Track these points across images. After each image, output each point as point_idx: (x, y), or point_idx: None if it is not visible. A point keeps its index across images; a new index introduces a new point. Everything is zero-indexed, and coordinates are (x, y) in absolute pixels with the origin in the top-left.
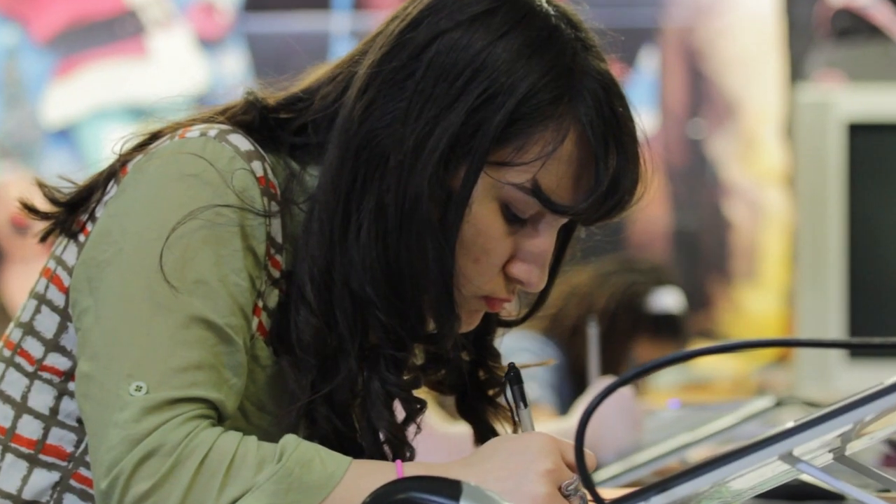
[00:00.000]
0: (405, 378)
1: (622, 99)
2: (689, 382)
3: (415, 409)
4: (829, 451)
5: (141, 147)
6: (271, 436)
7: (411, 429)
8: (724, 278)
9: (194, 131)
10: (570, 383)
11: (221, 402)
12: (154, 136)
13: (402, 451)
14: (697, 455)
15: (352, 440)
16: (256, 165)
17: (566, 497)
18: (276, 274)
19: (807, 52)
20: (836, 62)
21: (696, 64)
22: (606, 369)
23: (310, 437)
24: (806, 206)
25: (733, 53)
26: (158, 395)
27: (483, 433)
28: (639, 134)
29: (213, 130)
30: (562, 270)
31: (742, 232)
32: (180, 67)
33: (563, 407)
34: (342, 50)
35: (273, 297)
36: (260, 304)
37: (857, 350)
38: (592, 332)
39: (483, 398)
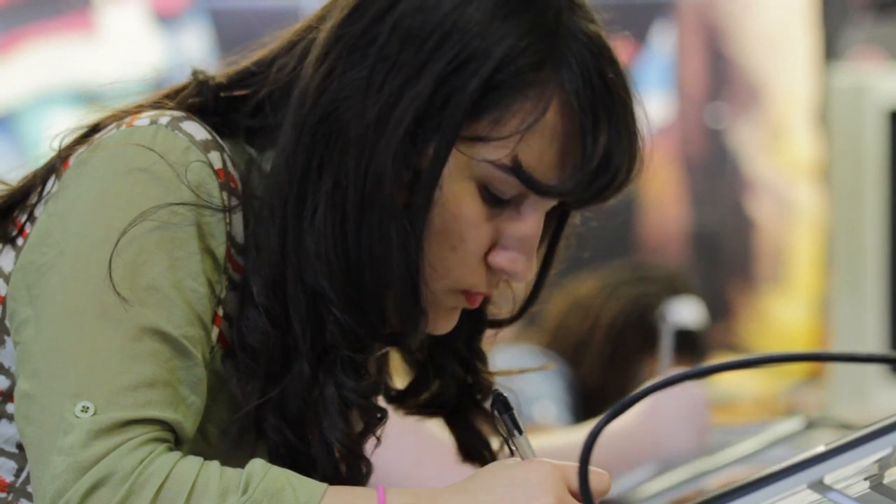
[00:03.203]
0: (363, 384)
1: (614, 64)
2: (708, 402)
3: (374, 418)
4: (866, 479)
5: (84, 138)
6: (236, 460)
7: (370, 442)
8: (749, 284)
9: (143, 119)
10: (577, 401)
11: (178, 422)
12: (97, 126)
13: (359, 465)
14: (717, 483)
15: (304, 454)
16: (214, 156)
17: None
18: (237, 277)
19: (842, 29)
20: (876, 39)
21: (716, 42)
22: (615, 390)
23: (256, 452)
24: (841, 202)
25: (758, 30)
26: (107, 416)
27: (471, 443)
28: (635, 104)
29: (165, 118)
30: (565, 278)
31: (768, 232)
32: (134, 46)
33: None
34: None
35: (235, 304)
36: (220, 312)
37: None
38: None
39: (471, 404)
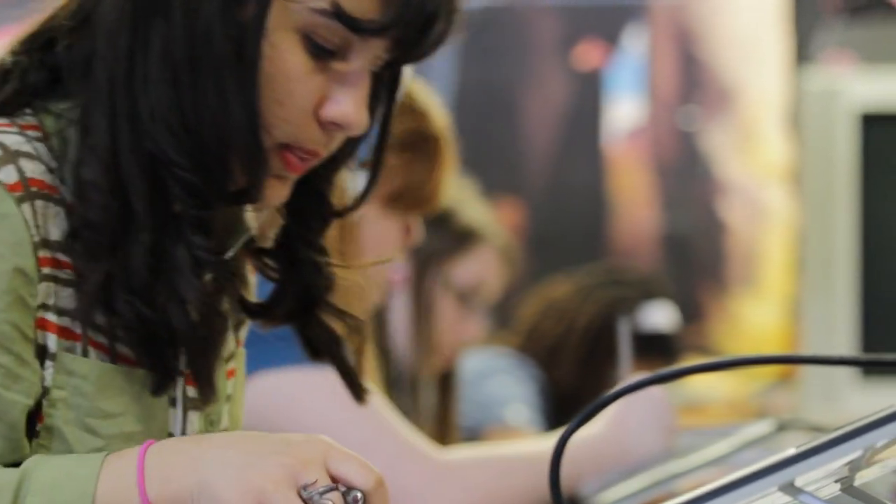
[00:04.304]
0: (214, 241)
1: None
2: (679, 404)
3: (226, 276)
4: (837, 482)
5: None
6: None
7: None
8: (720, 287)
9: None
10: (550, 404)
11: None
12: None
13: (216, 322)
14: (688, 486)
15: (160, 323)
16: (9, 171)
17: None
18: (68, 275)
19: (814, 32)
20: (848, 42)
21: (688, 45)
22: (588, 394)
23: (112, 328)
24: (812, 206)
25: (730, 33)
26: None
27: (320, 340)
28: None
29: None
30: (539, 281)
31: (740, 235)
32: None
33: (546, 431)
34: None
35: (68, 298)
36: (50, 316)
37: (869, 368)
38: (624, 331)
39: (319, 300)
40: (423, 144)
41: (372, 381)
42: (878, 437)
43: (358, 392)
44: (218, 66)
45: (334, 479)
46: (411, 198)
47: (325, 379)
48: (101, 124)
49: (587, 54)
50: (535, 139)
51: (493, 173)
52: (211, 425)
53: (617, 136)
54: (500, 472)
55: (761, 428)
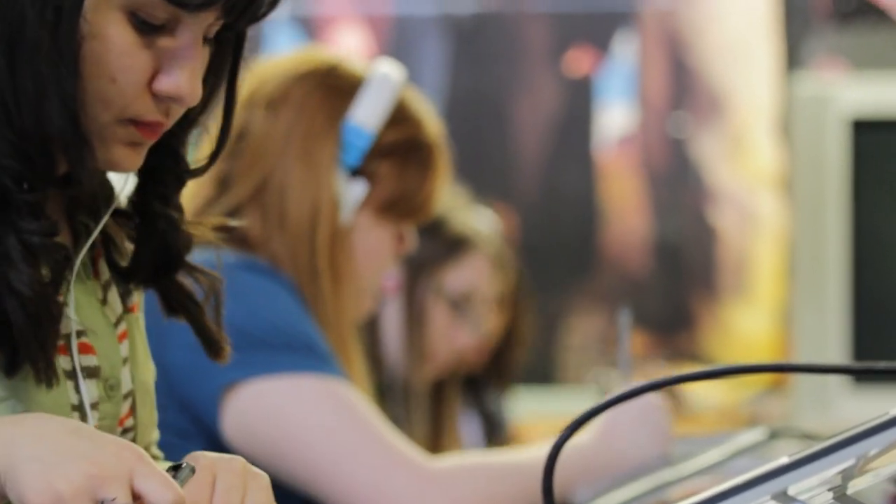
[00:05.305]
0: (45, 224)
1: None
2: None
3: (60, 260)
4: (829, 490)
5: None
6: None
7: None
8: (711, 294)
9: None
10: None
11: None
12: None
13: (51, 311)
14: (680, 494)
15: None
16: None
17: None
18: None
19: (804, 38)
20: (838, 49)
21: (678, 52)
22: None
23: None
24: (803, 213)
25: (720, 40)
26: None
27: (176, 297)
28: None
29: None
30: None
31: (731, 242)
32: None
33: None
34: (280, 40)
35: None
36: None
37: (861, 376)
38: (624, 323)
39: (175, 258)
40: (416, 153)
41: (364, 388)
42: (871, 445)
43: (215, 349)
44: (34, 53)
45: (136, 496)
46: (405, 206)
47: (311, 387)
48: None
49: (578, 61)
50: (525, 146)
51: (484, 180)
52: (111, 389)
53: (608, 143)
54: (491, 480)
55: (754, 436)
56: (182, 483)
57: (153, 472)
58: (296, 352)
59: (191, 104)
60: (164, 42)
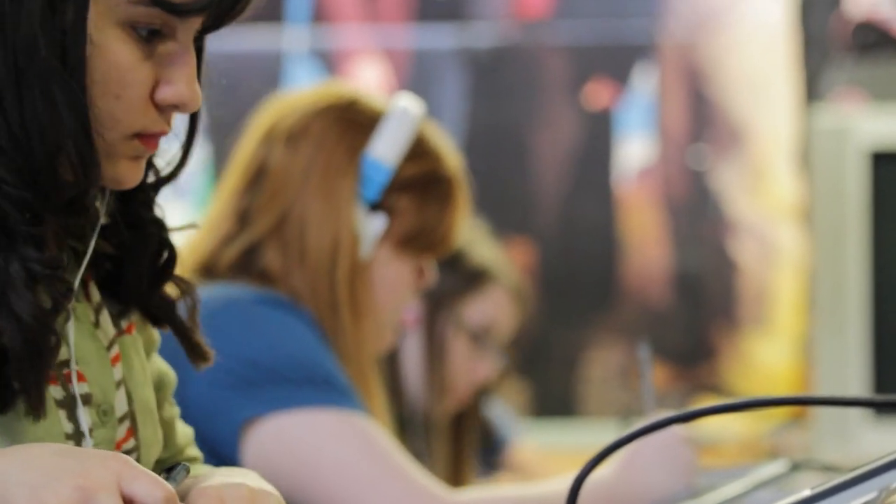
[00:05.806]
0: (47, 255)
1: None
2: (691, 441)
3: (61, 291)
4: None
5: None
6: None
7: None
8: (731, 326)
9: None
10: None
11: None
12: None
13: (48, 339)
14: None
15: None
16: None
17: None
18: None
19: (823, 70)
20: (858, 80)
21: (697, 84)
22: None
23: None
24: (823, 244)
25: (740, 72)
26: None
27: (158, 306)
28: None
29: None
30: (550, 318)
31: (751, 274)
32: None
33: None
34: (300, 74)
35: None
36: None
37: (883, 408)
38: (645, 357)
39: (156, 267)
40: (435, 186)
41: (384, 422)
42: (893, 478)
43: (197, 353)
44: (45, 76)
45: (129, 501)
46: (424, 240)
47: (332, 421)
48: None
49: (597, 94)
50: (545, 179)
51: (503, 213)
52: (104, 415)
53: (627, 176)
54: None
55: (775, 468)
56: (177, 483)
57: (140, 474)
58: (316, 386)
59: (193, 109)
60: (163, 49)
